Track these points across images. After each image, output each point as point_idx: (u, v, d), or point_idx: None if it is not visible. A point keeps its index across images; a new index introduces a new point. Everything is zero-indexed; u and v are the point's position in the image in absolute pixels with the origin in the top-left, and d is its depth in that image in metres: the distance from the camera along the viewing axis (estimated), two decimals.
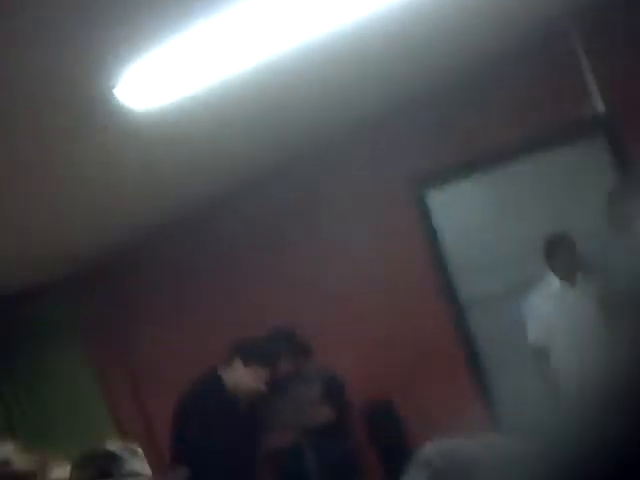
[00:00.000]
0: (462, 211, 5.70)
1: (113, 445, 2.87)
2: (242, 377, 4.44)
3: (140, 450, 2.88)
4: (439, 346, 5.51)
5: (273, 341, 4.79)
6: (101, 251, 6.11)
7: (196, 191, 5.64)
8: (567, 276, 5.02)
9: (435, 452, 1.49)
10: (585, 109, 5.25)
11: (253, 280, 5.96)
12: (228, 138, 4.76)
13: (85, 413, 6.60)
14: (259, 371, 4.43)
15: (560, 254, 5.03)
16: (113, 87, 3.36)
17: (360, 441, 5.41)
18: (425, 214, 5.65)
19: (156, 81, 3.45)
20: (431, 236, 5.64)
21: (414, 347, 5.53)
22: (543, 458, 1.13)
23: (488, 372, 5.56)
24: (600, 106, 5.22)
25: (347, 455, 5.10)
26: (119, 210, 5.36)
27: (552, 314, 5.00)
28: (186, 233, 6.12)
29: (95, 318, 6.38)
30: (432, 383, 5.42)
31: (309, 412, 4.92)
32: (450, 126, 5.50)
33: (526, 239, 5.35)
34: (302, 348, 5.05)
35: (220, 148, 4.88)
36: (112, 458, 2.79)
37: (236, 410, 4.50)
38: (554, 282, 5.04)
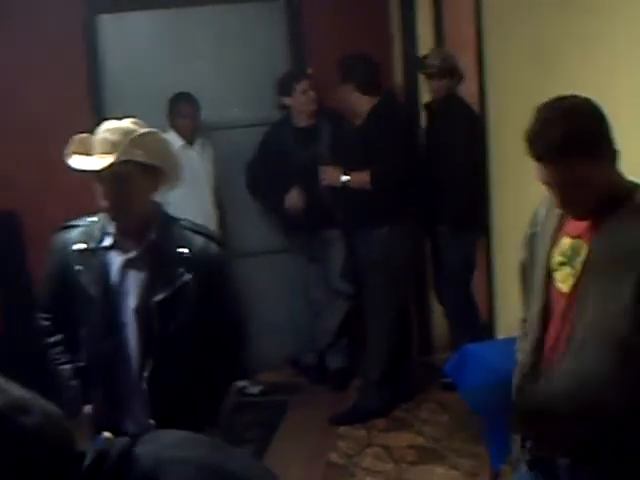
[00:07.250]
0: (132, 42, 5.48)
1: None
2: None
3: None
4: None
5: None
6: None
7: None
8: (187, 136, 5.05)
9: None
10: None
11: None
12: None
13: None
14: None
15: (181, 113, 5.03)
16: None
17: None
18: (92, 38, 5.36)
19: None
20: (94, 61, 5.38)
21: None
22: None
23: None
24: None
25: None
26: None
27: None
28: None
29: None
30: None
31: None
32: None
33: (188, 83, 5.23)
34: None
35: None
36: None
37: None
38: (174, 140, 4.97)
